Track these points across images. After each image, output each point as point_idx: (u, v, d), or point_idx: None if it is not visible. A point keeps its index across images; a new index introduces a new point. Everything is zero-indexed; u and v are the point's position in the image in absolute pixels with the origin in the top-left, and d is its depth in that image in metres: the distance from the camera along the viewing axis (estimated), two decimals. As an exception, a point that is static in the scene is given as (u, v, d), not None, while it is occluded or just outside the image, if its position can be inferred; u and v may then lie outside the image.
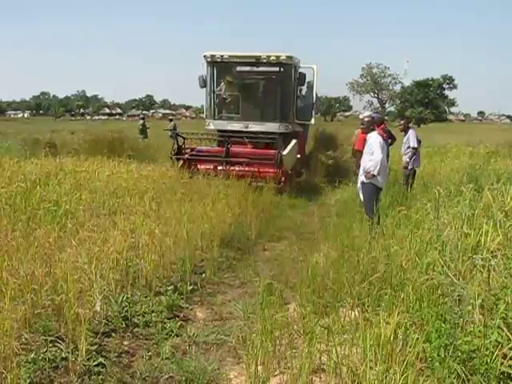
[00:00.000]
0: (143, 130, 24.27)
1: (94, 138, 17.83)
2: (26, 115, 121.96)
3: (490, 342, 3.46)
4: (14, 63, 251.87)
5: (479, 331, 3.56)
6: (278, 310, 4.75)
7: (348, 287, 5.08)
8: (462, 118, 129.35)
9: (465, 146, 21.65)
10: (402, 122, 11.67)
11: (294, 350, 4.11)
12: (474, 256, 4.68)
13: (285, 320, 4.53)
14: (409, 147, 10.98)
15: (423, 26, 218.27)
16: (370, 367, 3.52)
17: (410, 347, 3.56)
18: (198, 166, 12.61)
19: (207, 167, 12.40)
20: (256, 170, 12.13)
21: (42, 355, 3.96)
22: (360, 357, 3.85)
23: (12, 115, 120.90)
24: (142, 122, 25.28)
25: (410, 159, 11.00)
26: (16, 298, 4.37)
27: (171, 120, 26.21)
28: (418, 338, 3.60)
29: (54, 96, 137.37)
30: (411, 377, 3.33)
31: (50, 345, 4.09)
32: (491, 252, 4.79)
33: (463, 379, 3.36)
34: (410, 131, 11.20)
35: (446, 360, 3.45)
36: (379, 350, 3.63)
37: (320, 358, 4.05)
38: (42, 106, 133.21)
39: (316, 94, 14.90)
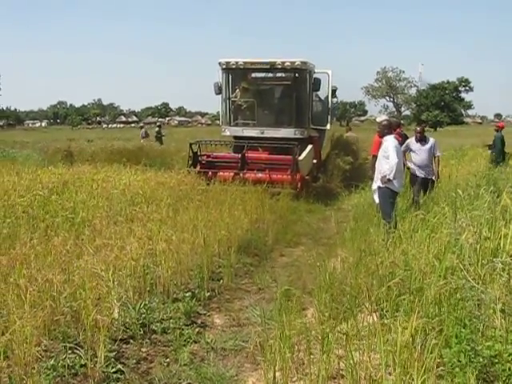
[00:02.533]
0: (159, 138, 24.43)
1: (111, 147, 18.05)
2: (43, 124, 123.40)
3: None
4: (33, 73, 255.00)
5: (501, 336, 3.51)
6: (296, 315, 4.72)
7: (366, 292, 5.05)
8: (479, 120, 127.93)
9: (482, 148, 21.41)
10: (418, 130, 10.15)
11: (311, 356, 4.09)
12: (494, 259, 4.62)
13: (303, 326, 4.51)
14: (432, 155, 9.96)
15: (438, 29, 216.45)
16: (389, 373, 3.48)
17: (428, 353, 3.51)
18: (218, 173, 12.60)
19: (226, 174, 12.40)
20: (272, 175, 12.12)
21: (61, 362, 4.00)
22: (378, 362, 3.82)
23: (30, 124, 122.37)
24: (157, 129, 25.49)
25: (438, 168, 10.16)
26: (35, 305, 4.40)
27: (142, 127, 26.85)
28: (436, 344, 3.55)
29: (70, 105, 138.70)
30: (429, 382, 3.29)
31: (69, 351, 4.12)
32: (511, 255, 4.73)
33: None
34: (434, 140, 10.13)
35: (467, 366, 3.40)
36: (397, 355, 3.59)
37: (338, 363, 4.03)
38: (59, 115, 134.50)
39: (332, 99, 14.84)
